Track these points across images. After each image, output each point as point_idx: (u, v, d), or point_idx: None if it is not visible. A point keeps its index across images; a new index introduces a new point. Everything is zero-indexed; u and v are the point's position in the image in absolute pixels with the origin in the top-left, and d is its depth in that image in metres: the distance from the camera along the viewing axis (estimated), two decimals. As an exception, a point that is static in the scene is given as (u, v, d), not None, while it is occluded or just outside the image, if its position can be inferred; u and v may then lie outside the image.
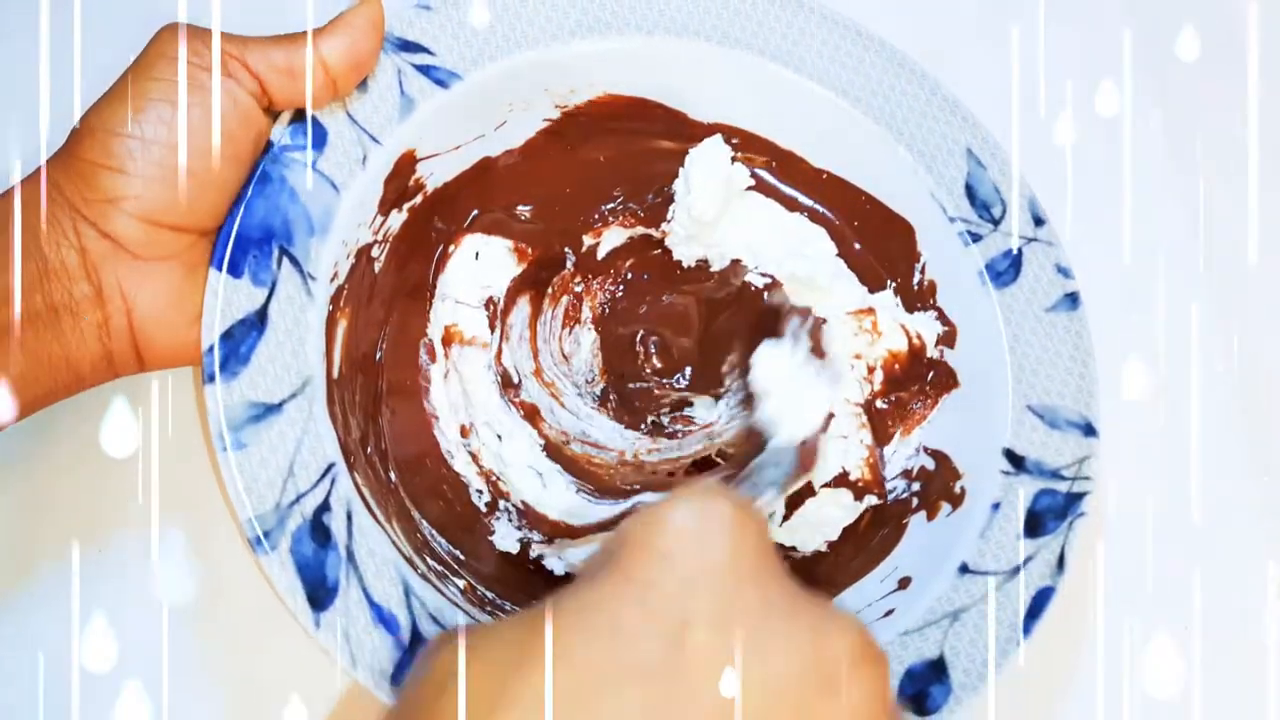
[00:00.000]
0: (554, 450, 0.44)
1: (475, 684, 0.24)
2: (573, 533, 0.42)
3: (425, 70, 0.42)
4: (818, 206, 0.46)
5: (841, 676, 0.25)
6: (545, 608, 0.25)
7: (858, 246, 0.46)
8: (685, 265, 0.46)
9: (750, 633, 0.25)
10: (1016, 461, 0.41)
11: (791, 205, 0.46)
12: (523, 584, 0.41)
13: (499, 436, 0.43)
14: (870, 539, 0.43)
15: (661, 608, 0.25)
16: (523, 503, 0.43)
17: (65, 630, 0.40)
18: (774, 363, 0.41)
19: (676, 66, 0.45)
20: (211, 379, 0.36)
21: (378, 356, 0.42)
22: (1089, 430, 0.41)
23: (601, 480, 0.43)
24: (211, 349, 0.36)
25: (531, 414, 0.44)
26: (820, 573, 0.43)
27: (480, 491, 0.43)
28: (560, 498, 0.43)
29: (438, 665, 0.25)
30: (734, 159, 0.45)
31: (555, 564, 0.42)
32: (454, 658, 0.25)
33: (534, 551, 0.42)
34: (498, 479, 0.43)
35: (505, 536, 0.42)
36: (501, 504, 0.43)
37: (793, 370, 0.40)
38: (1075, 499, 0.40)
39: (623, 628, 0.24)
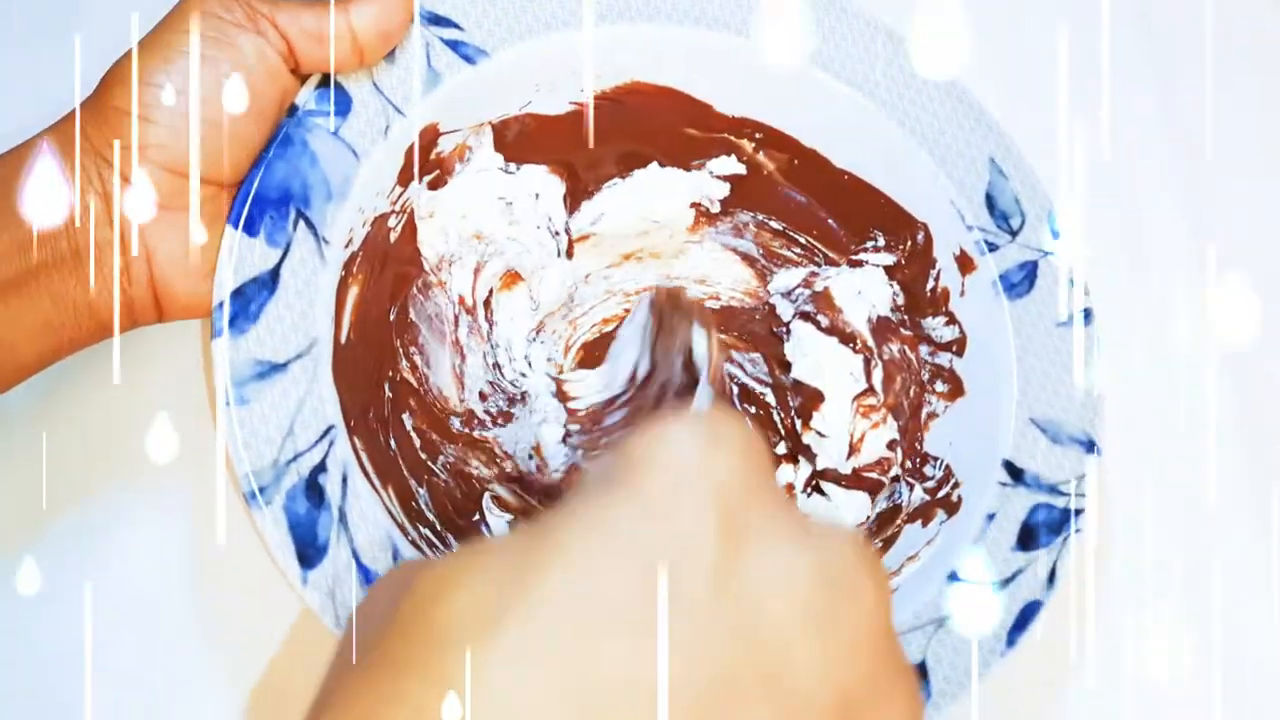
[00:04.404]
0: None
1: (472, 595, 0.23)
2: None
3: (453, 45, 0.42)
4: (831, 221, 0.47)
5: (848, 582, 0.25)
6: (541, 522, 0.24)
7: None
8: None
9: (754, 545, 0.25)
10: (1015, 474, 0.40)
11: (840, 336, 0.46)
12: None
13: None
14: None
15: (665, 523, 0.24)
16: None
17: (60, 588, 0.41)
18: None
19: (705, 58, 0.45)
20: (220, 334, 0.37)
21: (391, 321, 0.43)
22: (1091, 447, 0.41)
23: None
24: (221, 305, 0.37)
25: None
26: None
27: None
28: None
29: (421, 582, 0.24)
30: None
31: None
32: (440, 573, 0.24)
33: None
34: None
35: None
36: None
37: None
38: (1071, 515, 0.40)
39: (623, 542, 0.24)
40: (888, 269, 0.46)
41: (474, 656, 0.22)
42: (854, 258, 0.47)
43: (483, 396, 0.44)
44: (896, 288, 0.46)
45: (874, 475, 0.44)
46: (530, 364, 0.45)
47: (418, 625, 0.23)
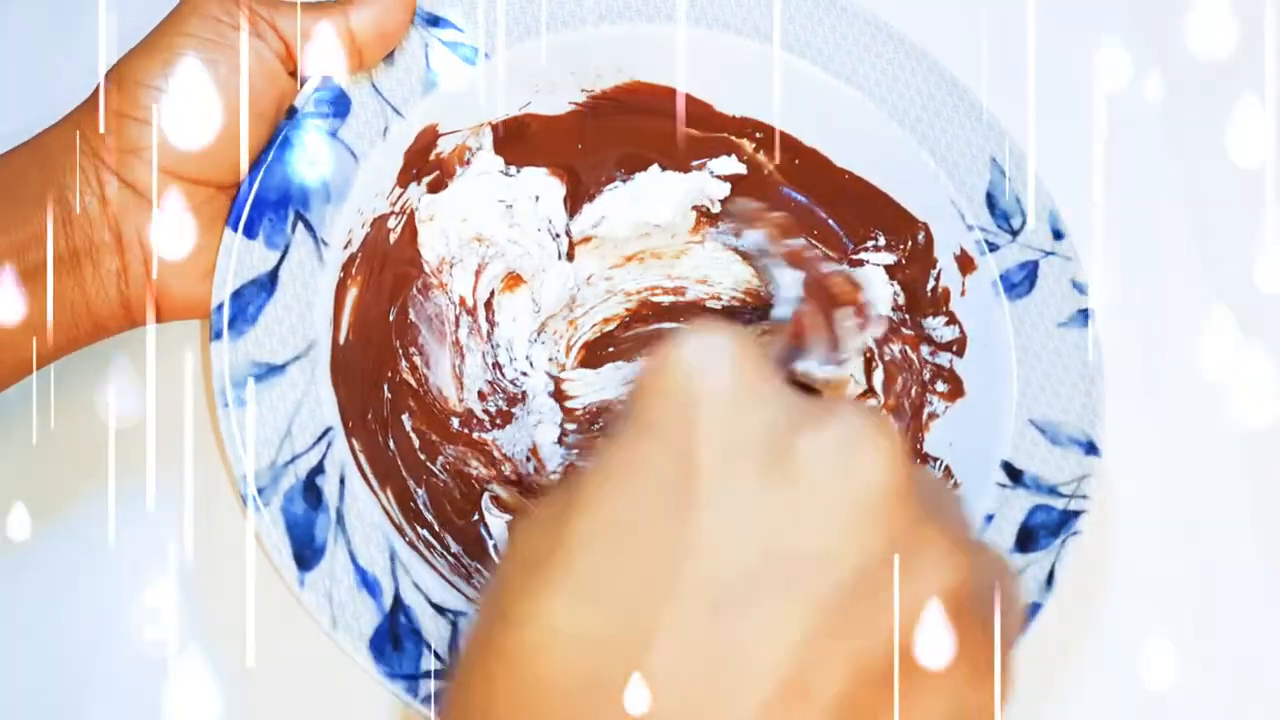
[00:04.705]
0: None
1: (529, 543, 0.26)
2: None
3: (452, 46, 0.42)
4: (831, 221, 0.47)
5: (850, 455, 0.26)
6: (581, 467, 0.26)
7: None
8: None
9: (755, 444, 0.26)
10: (1014, 475, 0.40)
11: None
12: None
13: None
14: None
15: (669, 443, 0.26)
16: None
17: (60, 588, 0.41)
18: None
19: (705, 58, 0.45)
20: (219, 336, 0.37)
21: (390, 322, 0.43)
22: (1091, 449, 0.40)
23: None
24: (220, 307, 0.37)
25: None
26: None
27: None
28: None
29: (507, 538, 0.28)
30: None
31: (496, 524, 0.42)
32: (513, 525, 0.28)
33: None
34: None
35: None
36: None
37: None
38: (1071, 516, 0.39)
39: (637, 468, 0.26)
40: (888, 269, 0.46)
41: (530, 598, 0.25)
42: (854, 257, 0.47)
43: (482, 396, 0.44)
44: (897, 287, 0.46)
45: None
46: (531, 364, 0.45)
47: (498, 575, 0.26)
